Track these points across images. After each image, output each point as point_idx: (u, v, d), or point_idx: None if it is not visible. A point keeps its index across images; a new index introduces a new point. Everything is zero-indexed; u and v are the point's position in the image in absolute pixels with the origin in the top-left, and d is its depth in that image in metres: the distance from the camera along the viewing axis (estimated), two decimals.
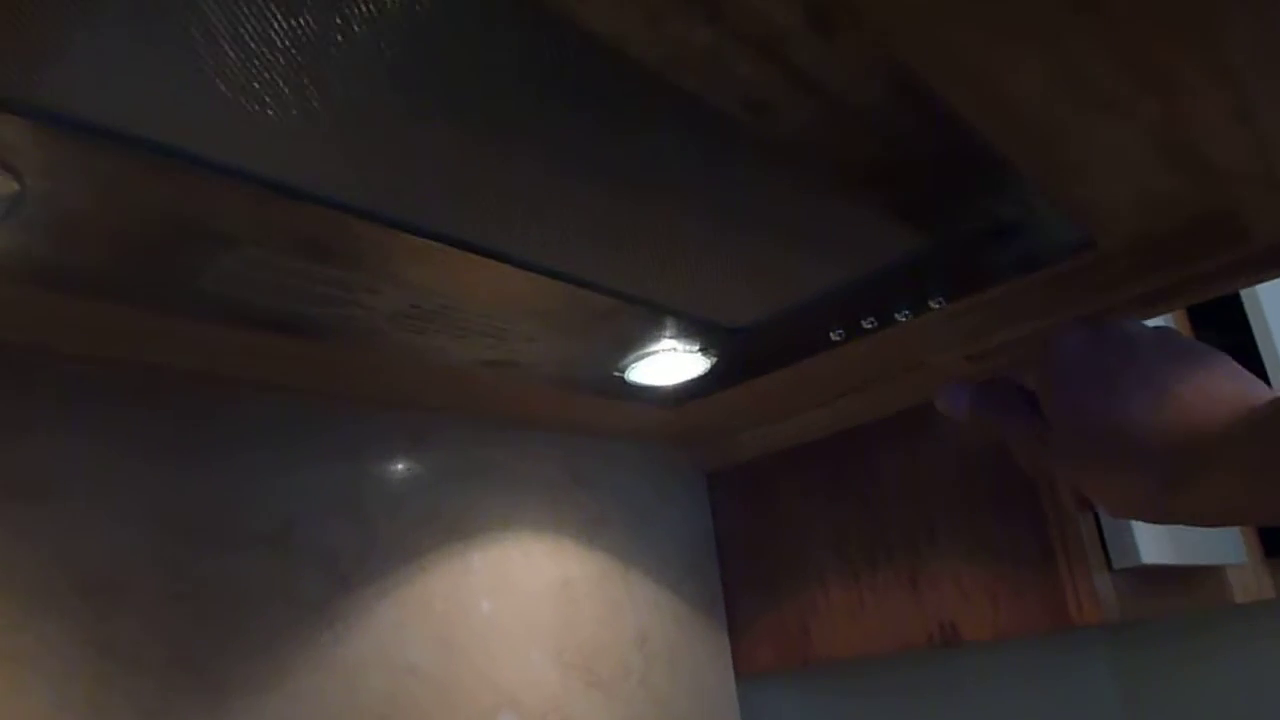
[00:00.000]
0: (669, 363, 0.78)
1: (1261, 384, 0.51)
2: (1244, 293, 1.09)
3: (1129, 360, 0.53)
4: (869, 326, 0.75)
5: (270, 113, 0.44)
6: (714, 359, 0.79)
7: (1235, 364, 0.54)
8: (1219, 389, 0.50)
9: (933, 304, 0.70)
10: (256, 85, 0.42)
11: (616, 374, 0.79)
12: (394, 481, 0.81)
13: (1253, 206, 0.65)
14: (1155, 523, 0.60)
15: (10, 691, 0.57)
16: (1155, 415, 0.49)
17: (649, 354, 0.76)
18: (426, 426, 0.85)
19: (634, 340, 0.74)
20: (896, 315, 0.73)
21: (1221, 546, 1.08)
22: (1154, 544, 0.89)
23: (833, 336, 0.77)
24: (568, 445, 0.97)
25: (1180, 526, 0.97)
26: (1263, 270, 0.70)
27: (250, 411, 0.74)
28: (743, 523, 1.13)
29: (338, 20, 0.39)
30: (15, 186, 0.45)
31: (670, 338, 0.74)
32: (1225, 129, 0.56)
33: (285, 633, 0.70)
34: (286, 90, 0.43)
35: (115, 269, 0.54)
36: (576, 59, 0.43)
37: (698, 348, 0.76)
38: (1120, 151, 0.58)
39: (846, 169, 0.55)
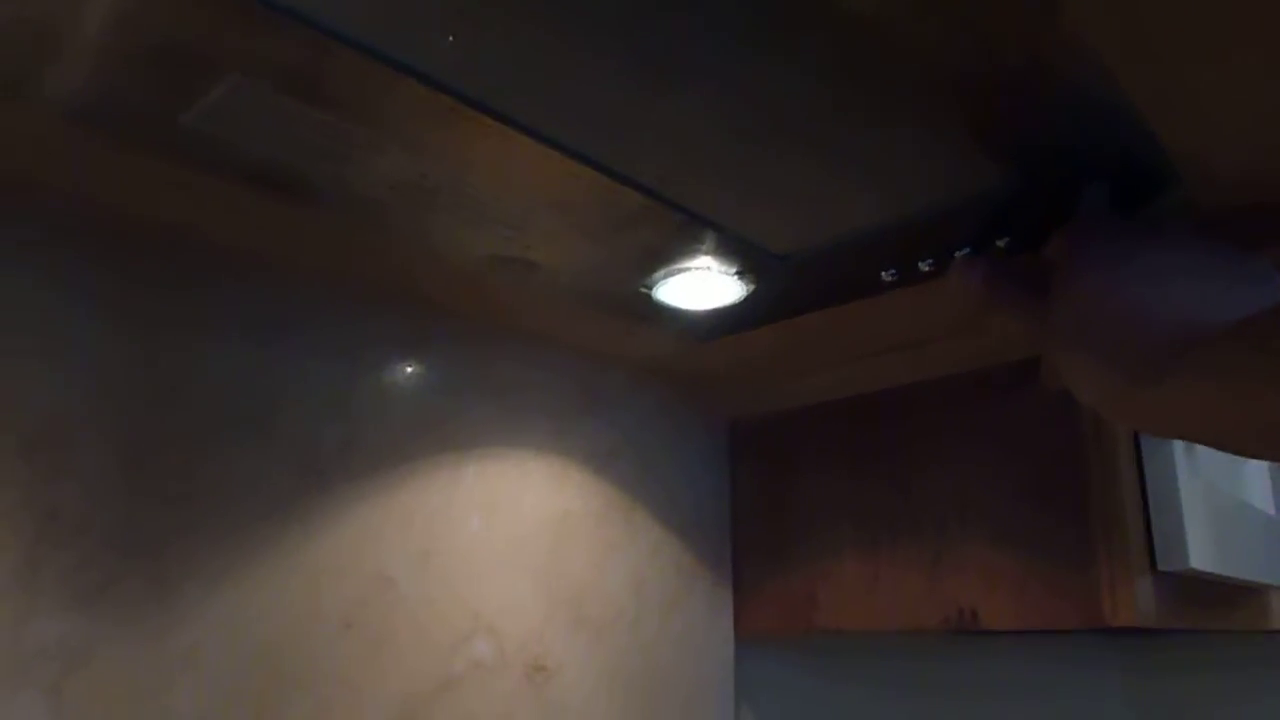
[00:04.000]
0: (702, 283, 0.70)
1: None
2: None
3: (1149, 251, 0.52)
4: (925, 269, 0.67)
5: None
6: (751, 286, 0.71)
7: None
8: (1228, 299, 0.48)
9: (999, 243, 0.62)
10: None
11: (644, 289, 0.72)
12: (387, 380, 0.74)
13: None
14: (1117, 420, 0.63)
15: None
16: (1148, 310, 0.48)
17: (681, 270, 0.69)
18: (429, 326, 0.78)
19: (666, 252, 0.67)
20: (957, 255, 0.65)
21: (1271, 565, 1.00)
22: (1204, 550, 0.81)
23: (885, 277, 0.69)
24: (583, 369, 0.90)
25: (1232, 536, 0.89)
26: None
27: (240, 281, 0.67)
28: (761, 479, 1.06)
29: None
30: None
31: (707, 254, 0.67)
32: None
33: (250, 524, 0.65)
34: None
35: (94, 88, 0.47)
36: None
37: (735, 270, 0.69)
38: (1249, 92, 0.49)
39: (926, 76, 0.47)
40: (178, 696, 0.59)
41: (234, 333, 0.66)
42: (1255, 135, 0.53)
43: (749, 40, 0.45)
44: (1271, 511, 1.05)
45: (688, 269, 0.68)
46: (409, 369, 0.76)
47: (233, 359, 0.66)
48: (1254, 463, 1.06)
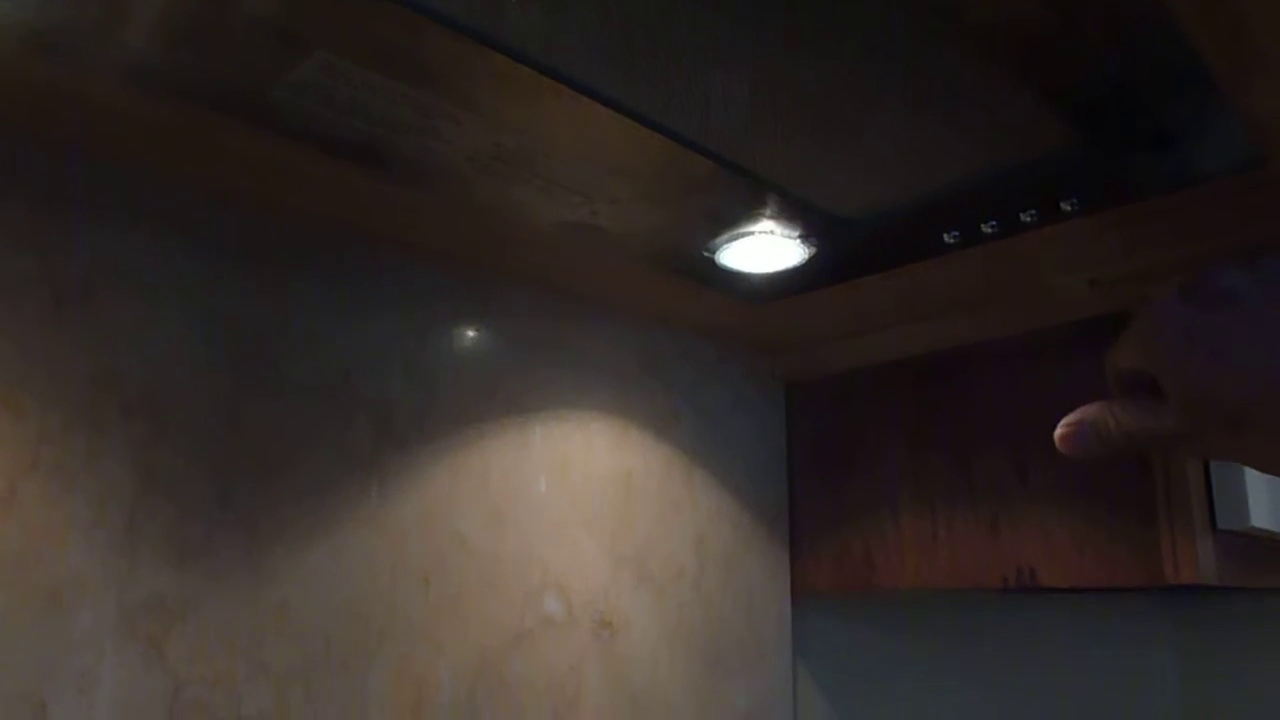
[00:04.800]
0: (765, 247, 0.71)
1: None
2: None
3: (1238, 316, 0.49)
4: (989, 231, 0.68)
5: None
6: (813, 249, 0.72)
7: None
8: None
9: (1065, 206, 0.63)
10: None
11: (706, 254, 0.73)
12: (459, 344, 0.77)
13: None
14: None
15: (47, 501, 0.55)
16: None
17: (744, 234, 0.70)
18: (498, 292, 0.80)
19: (729, 217, 0.68)
20: (1022, 216, 0.65)
21: None
22: (1266, 508, 0.81)
23: (947, 239, 0.70)
24: (644, 334, 0.92)
25: None
26: None
27: (319, 251, 0.70)
28: (818, 439, 1.07)
29: None
30: None
31: (770, 219, 0.68)
32: None
33: (332, 484, 0.67)
34: None
35: (187, 64, 0.49)
36: None
37: (798, 234, 0.70)
38: None
39: (999, 31, 0.48)
40: (270, 650, 0.62)
41: (316, 301, 0.69)
42: None
43: (815, 9, 0.46)
44: None
45: (751, 233, 0.69)
46: (479, 334, 0.78)
47: (315, 327, 0.68)
48: None
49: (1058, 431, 0.58)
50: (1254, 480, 0.81)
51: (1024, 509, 0.89)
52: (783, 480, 1.06)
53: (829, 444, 1.06)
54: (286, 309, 0.67)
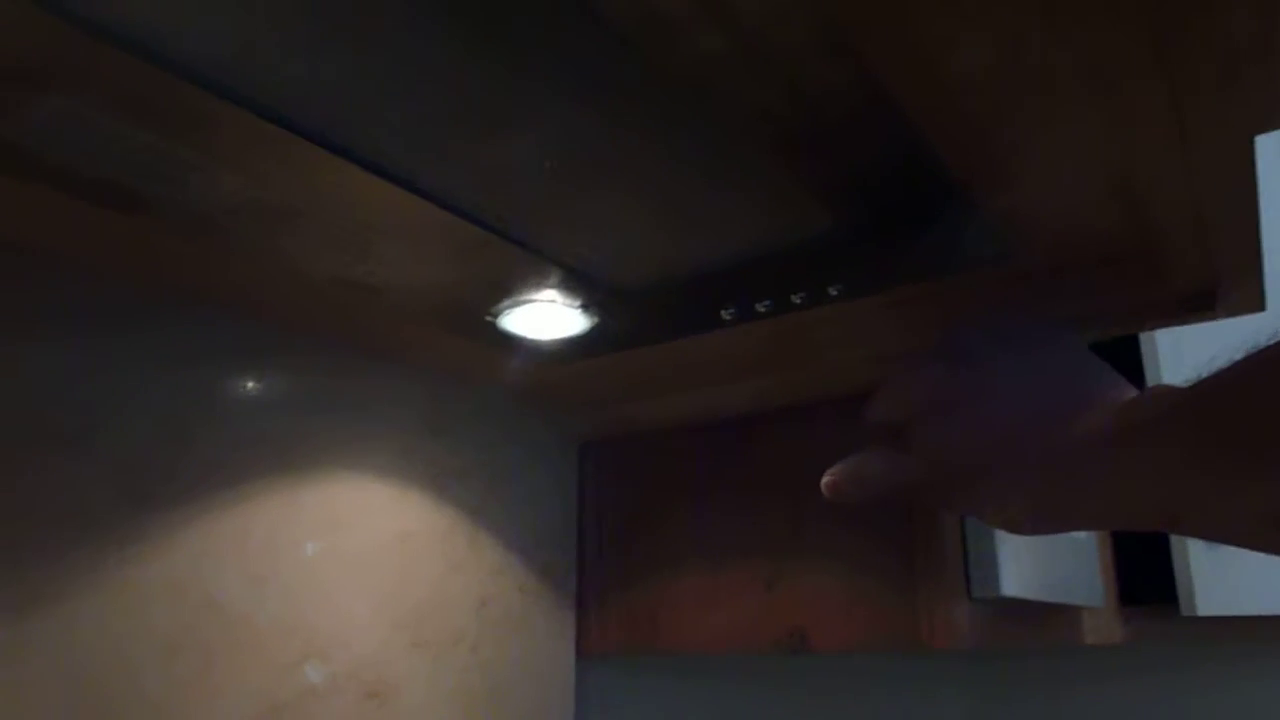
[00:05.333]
0: (546, 315, 0.71)
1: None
2: (1143, 337, 1.08)
3: (1000, 383, 0.55)
4: (762, 310, 0.70)
5: None
6: (596, 319, 0.72)
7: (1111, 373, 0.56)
8: (1088, 398, 0.52)
9: (831, 290, 0.65)
10: None
11: (488, 319, 0.72)
12: (222, 396, 0.72)
13: (1175, 249, 0.62)
14: (1033, 533, 0.59)
15: None
16: (1033, 428, 0.51)
17: (525, 302, 0.69)
18: (268, 341, 0.76)
19: (509, 284, 0.67)
20: (792, 297, 0.67)
21: (1080, 588, 1.07)
22: (1016, 577, 0.86)
23: (724, 315, 0.72)
24: (428, 388, 0.90)
25: (1045, 561, 0.95)
26: (1175, 315, 0.67)
27: (63, 293, 0.65)
28: (607, 499, 1.07)
29: None
30: None
31: (550, 288, 0.68)
32: (1165, 162, 0.53)
33: (67, 550, 0.62)
34: None
35: None
36: None
37: (579, 304, 0.70)
38: (1055, 165, 0.54)
39: (754, 123, 0.50)
40: None
41: (55, 347, 0.64)
42: (1063, 202, 0.58)
43: (577, 94, 0.46)
44: (1082, 535, 1.12)
45: (532, 301, 0.69)
46: (247, 385, 0.74)
47: (49, 367, 0.63)
48: None
49: (824, 479, 0.61)
50: (1006, 551, 0.86)
51: (798, 574, 0.91)
52: (572, 540, 1.05)
53: (619, 503, 1.06)
54: (19, 344, 0.62)
